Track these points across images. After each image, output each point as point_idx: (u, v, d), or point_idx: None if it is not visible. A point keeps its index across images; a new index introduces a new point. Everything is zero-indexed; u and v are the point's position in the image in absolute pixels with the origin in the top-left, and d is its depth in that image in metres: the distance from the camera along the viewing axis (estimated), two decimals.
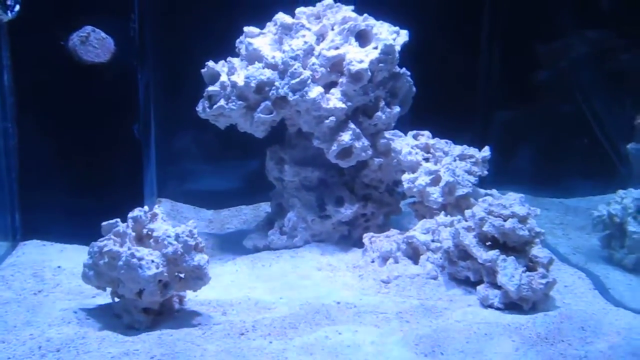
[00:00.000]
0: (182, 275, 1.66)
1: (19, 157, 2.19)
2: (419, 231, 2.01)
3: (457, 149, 2.13)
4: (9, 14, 1.58)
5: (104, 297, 1.76)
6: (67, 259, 2.11)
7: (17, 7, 1.59)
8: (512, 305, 1.75)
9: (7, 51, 2.13)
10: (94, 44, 2.12)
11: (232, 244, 2.34)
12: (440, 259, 1.94)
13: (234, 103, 2.09)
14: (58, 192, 2.22)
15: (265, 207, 2.68)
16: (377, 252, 2.05)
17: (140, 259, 1.60)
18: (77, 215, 2.20)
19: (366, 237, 2.10)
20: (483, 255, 1.81)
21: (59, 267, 2.05)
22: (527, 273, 1.77)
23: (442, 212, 2.04)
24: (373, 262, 2.04)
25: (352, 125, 2.08)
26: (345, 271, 2.03)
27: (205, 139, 2.74)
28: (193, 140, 2.79)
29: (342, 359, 1.45)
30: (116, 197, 2.20)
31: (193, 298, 1.77)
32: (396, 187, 2.28)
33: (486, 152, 2.11)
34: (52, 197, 2.22)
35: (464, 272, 1.88)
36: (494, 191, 2.12)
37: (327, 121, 2.06)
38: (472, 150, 2.13)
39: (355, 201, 2.17)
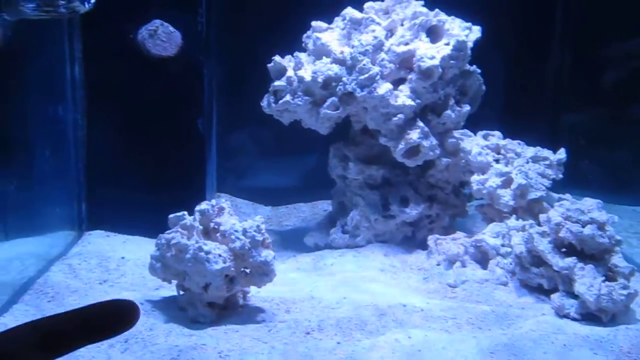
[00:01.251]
0: (247, 271, 1.64)
1: (87, 149, 2.23)
2: (488, 235, 1.93)
3: (530, 151, 2.04)
4: (86, 6, 1.59)
5: (168, 290, 1.76)
6: (131, 250, 2.13)
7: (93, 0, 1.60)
8: (590, 316, 1.66)
9: (80, 44, 2.17)
10: (162, 37, 2.14)
11: (291, 241, 2.32)
12: (511, 264, 1.86)
13: (300, 98, 2.06)
14: (123, 184, 2.24)
15: (322, 205, 2.65)
16: (442, 254, 1.98)
17: (207, 252, 1.58)
18: (140, 207, 2.22)
19: (431, 239, 2.03)
20: (559, 262, 1.72)
21: (122, 257, 2.06)
22: (607, 283, 1.67)
23: (513, 215, 1.96)
24: (439, 265, 1.97)
25: (420, 124, 2.02)
26: (409, 273, 1.97)
27: (264, 136, 2.73)
28: (253, 136, 2.79)
29: (416, 359, 1.39)
30: (179, 190, 2.21)
31: (255, 294, 1.75)
32: (462, 189, 2.20)
33: (562, 154, 2.02)
34: (117, 190, 2.24)
35: (536, 279, 1.80)
36: (568, 196, 2.02)
37: (395, 119, 2.01)
38: (546, 152, 2.03)
39: (421, 201, 2.11)
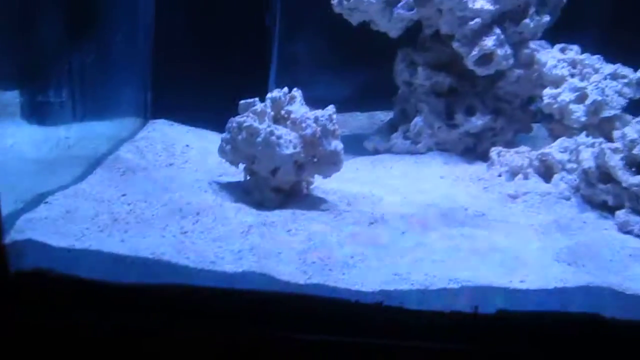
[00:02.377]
0: (316, 160, 1.66)
1: (155, 36, 2.23)
2: (555, 149, 1.90)
3: (609, 67, 1.96)
4: None
5: (231, 177, 1.81)
6: (194, 140, 2.17)
7: None
8: None
9: None
10: None
11: (350, 145, 2.30)
12: (576, 180, 1.84)
13: None
14: (187, 76, 2.25)
15: (379, 116, 2.64)
16: (505, 166, 1.96)
17: (279, 137, 1.60)
18: (204, 100, 2.24)
19: (494, 151, 2.01)
20: (629, 179, 1.69)
21: (187, 145, 2.10)
22: None
23: (584, 132, 1.91)
24: (500, 176, 1.96)
25: (497, 30, 1.96)
26: (469, 182, 1.97)
27: (325, 43, 2.69)
28: (313, 42, 2.75)
29: (482, 252, 1.41)
30: (243, 85, 2.19)
31: (317, 186, 1.78)
32: (529, 105, 2.16)
33: None
34: (182, 80, 2.25)
35: (602, 195, 1.77)
36: None
37: (471, 23, 1.95)
38: (625, 70, 1.95)
39: (486, 113, 2.08)
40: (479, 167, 2.06)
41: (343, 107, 2.73)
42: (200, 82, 2.26)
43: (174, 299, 1.28)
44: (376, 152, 2.19)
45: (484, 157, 2.06)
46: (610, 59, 2.00)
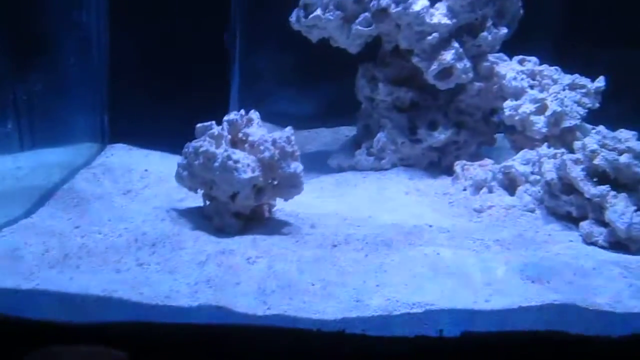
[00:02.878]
0: (276, 182, 1.63)
1: (110, 57, 2.18)
2: (518, 161, 1.90)
3: (567, 78, 1.97)
4: None
5: (192, 201, 1.76)
6: (153, 164, 2.12)
7: None
8: (618, 245, 1.64)
9: None
10: None
11: (314, 164, 2.29)
12: (540, 192, 1.83)
13: (331, 13, 1.99)
14: (145, 98, 2.20)
15: (344, 131, 2.62)
16: (469, 180, 1.95)
17: (236, 161, 1.56)
18: (163, 122, 2.19)
19: (458, 165, 2.00)
20: (591, 189, 1.69)
21: (146, 170, 2.05)
22: (639, 212, 1.65)
23: (544, 143, 1.91)
24: (464, 190, 1.95)
25: (455, 44, 1.95)
26: (433, 197, 1.95)
27: (287, 59, 2.67)
28: (275, 59, 2.73)
29: (446, 273, 1.39)
30: (202, 106, 2.15)
31: (280, 209, 1.74)
32: (491, 117, 2.15)
33: (600, 82, 1.95)
34: (139, 103, 2.20)
35: (565, 206, 1.77)
36: (602, 127, 1.97)
37: (429, 38, 1.94)
38: (583, 80, 1.96)
39: (449, 127, 2.07)
40: (444, 182, 2.04)
41: (308, 123, 2.72)
42: (159, 104, 2.21)
43: (127, 337, 1.23)
44: (341, 169, 2.17)
45: (449, 171, 2.05)
46: (566, 69, 2.01)
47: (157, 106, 2.20)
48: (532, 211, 1.83)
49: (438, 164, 2.13)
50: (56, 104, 1.95)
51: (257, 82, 2.72)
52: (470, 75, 2.00)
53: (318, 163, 2.29)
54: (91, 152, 2.15)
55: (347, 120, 2.51)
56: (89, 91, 2.16)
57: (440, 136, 2.05)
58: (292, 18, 2.10)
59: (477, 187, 1.93)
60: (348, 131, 2.56)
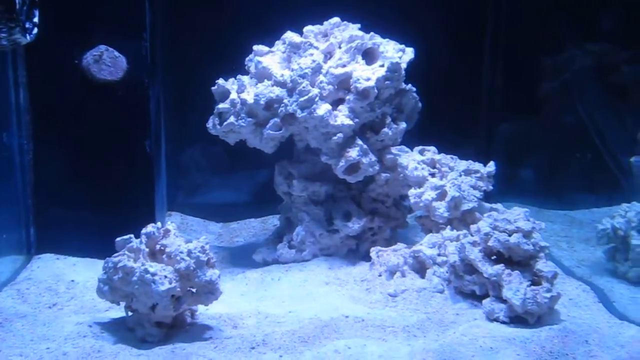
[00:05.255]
0: (194, 290, 1.70)
1: (34, 173, 2.25)
2: (425, 245, 2.05)
3: (463, 164, 2.17)
4: (28, 37, 1.63)
5: (117, 311, 1.81)
6: (80, 273, 2.16)
7: (35, 31, 1.64)
8: (518, 319, 1.78)
9: (24, 69, 2.19)
10: (107, 62, 2.18)
11: (241, 257, 2.38)
12: (447, 272, 1.98)
13: (243, 120, 2.14)
14: (72, 207, 2.27)
15: (273, 220, 2.73)
16: (384, 265, 2.08)
17: (153, 274, 1.64)
18: (90, 229, 2.25)
19: (373, 251, 2.14)
20: (488, 269, 1.84)
21: (72, 280, 2.09)
22: (532, 287, 1.80)
23: (448, 226, 2.08)
24: (380, 275, 2.07)
25: (359, 142, 2.13)
26: (353, 285, 2.07)
27: (213, 154, 2.80)
28: (202, 154, 2.85)
29: None
30: (128, 211, 2.25)
31: (204, 312, 1.81)
32: (402, 201, 2.32)
33: (491, 167, 2.15)
34: (66, 212, 2.27)
35: (470, 286, 1.91)
36: (499, 205, 2.16)
37: (334, 137, 2.11)
38: (477, 166, 2.16)
39: (363, 215, 2.21)
40: (362, 268, 2.16)
41: (237, 214, 2.83)
42: (86, 212, 2.27)
43: None
44: (265, 263, 2.26)
45: (367, 257, 2.18)
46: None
47: (83, 214, 2.27)
48: (442, 292, 1.96)
49: (357, 251, 2.26)
50: None
51: (186, 179, 2.83)
52: (377, 167, 2.17)
53: (245, 256, 2.38)
54: (16, 266, 2.18)
55: (276, 209, 2.63)
56: (12, 206, 2.21)
57: (354, 226, 2.19)
58: (209, 124, 2.24)
59: (392, 272, 2.06)
60: (277, 220, 2.67)
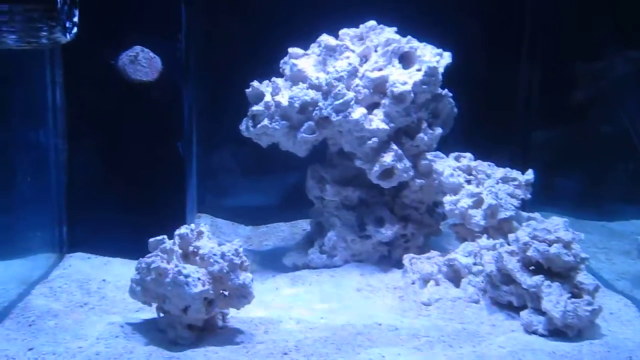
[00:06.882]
0: (226, 293, 1.68)
1: (68, 172, 2.26)
2: (460, 254, 2.00)
3: (500, 172, 2.11)
4: (68, 36, 1.64)
5: (148, 312, 1.80)
6: (111, 273, 2.16)
7: (75, 30, 1.65)
8: (557, 332, 1.72)
9: (60, 69, 2.21)
10: (142, 63, 2.19)
11: (271, 261, 2.36)
12: (482, 282, 1.93)
13: (277, 122, 2.12)
14: (104, 207, 2.27)
15: (302, 225, 2.71)
16: (417, 273, 2.04)
17: (187, 276, 1.62)
18: (121, 230, 2.26)
19: (406, 258, 2.09)
20: (527, 280, 1.79)
21: (103, 280, 2.09)
22: (573, 300, 1.74)
23: (484, 235, 2.03)
24: (413, 283, 2.03)
25: (394, 147, 2.09)
26: (385, 292, 2.03)
27: (244, 157, 2.79)
28: (233, 157, 2.85)
29: None
30: (159, 212, 2.24)
31: (235, 315, 1.79)
32: (436, 208, 2.27)
33: (529, 175, 2.09)
34: (98, 211, 2.28)
35: (506, 296, 1.86)
36: (537, 214, 2.10)
37: (369, 142, 2.07)
38: (515, 173, 2.11)
39: (396, 221, 2.17)
40: (394, 275, 2.12)
41: (267, 218, 2.81)
42: (117, 212, 2.28)
43: None
44: (296, 268, 2.24)
45: (399, 264, 2.14)
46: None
47: (115, 214, 2.27)
48: (477, 302, 1.91)
49: (389, 258, 2.22)
50: (12, 220, 2.01)
51: (217, 181, 2.83)
52: (411, 173, 2.13)
53: (275, 260, 2.36)
54: (49, 264, 2.19)
55: (305, 213, 2.61)
56: (46, 205, 2.22)
57: (387, 232, 2.15)
58: (242, 127, 2.22)
59: (425, 280, 2.02)
60: (306, 224, 2.65)
